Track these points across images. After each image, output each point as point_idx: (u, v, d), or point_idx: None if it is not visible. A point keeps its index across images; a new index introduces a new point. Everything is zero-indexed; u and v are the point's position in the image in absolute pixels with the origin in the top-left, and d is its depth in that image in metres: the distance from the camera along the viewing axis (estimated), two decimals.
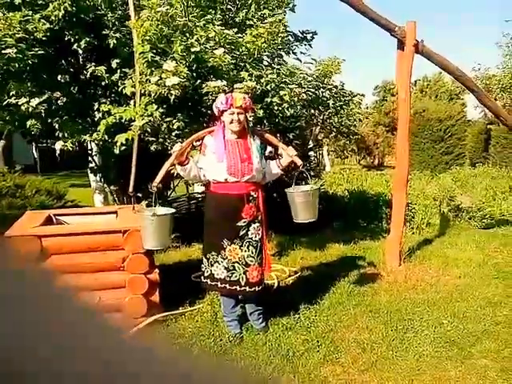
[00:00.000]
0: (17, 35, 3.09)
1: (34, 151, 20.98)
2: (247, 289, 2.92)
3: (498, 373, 2.57)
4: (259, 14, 3.92)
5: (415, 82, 26.28)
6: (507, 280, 4.13)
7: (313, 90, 4.19)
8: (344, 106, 4.66)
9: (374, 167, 22.70)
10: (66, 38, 3.42)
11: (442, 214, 6.94)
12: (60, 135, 3.58)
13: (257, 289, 2.95)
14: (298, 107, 3.90)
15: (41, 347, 0.29)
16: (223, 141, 2.83)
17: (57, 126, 3.53)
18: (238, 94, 2.91)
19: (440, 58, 4.41)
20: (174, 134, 3.45)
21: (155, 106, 3.30)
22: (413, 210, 6.66)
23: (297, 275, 4.31)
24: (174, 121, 3.37)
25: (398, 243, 4.52)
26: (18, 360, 0.27)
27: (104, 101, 3.60)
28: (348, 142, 15.99)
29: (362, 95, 4.68)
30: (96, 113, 3.51)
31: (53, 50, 3.52)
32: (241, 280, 2.91)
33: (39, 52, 3.30)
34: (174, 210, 2.87)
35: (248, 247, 2.90)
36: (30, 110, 3.26)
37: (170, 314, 3.38)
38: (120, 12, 3.59)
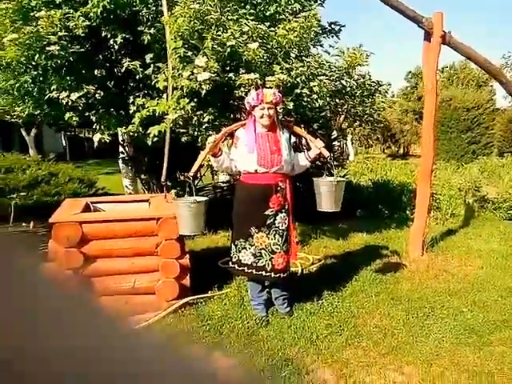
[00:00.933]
0: (59, 33, 3.28)
1: (62, 139, 21.63)
2: (273, 275, 3.07)
3: None
4: (290, 8, 4.01)
5: (442, 69, 25.66)
6: None
7: (340, 81, 4.27)
8: (370, 96, 4.71)
9: (398, 156, 22.43)
10: (103, 34, 3.61)
11: (467, 205, 6.92)
12: (97, 127, 3.79)
13: (282, 275, 3.09)
14: (327, 98, 3.99)
15: (41, 347, 0.29)
16: (254, 134, 2.99)
17: (94, 119, 3.74)
18: (268, 89, 3.05)
19: (468, 49, 4.40)
20: (204, 126, 3.60)
21: (187, 100, 3.45)
22: (437, 201, 6.68)
23: (320, 263, 4.45)
24: (205, 114, 3.52)
25: (421, 233, 4.59)
26: (18, 360, 0.27)
27: (138, 94, 3.78)
28: (373, 131, 15.82)
29: (389, 84, 4.73)
30: (131, 106, 3.69)
31: (90, 46, 3.71)
32: (267, 266, 3.05)
33: (79, 49, 3.50)
34: (207, 198, 3.06)
35: (274, 235, 3.04)
36: (70, 103, 3.47)
37: (199, 297, 3.57)
38: (154, 8, 3.74)
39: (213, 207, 6.15)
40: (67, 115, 3.80)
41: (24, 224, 5.17)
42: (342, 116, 6.01)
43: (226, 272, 4.12)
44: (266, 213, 3.01)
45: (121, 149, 6.28)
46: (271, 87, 3.48)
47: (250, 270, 3.10)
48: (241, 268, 3.13)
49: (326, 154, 3.11)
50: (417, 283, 3.88)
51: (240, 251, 3.11)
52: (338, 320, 3.18)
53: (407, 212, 6.48)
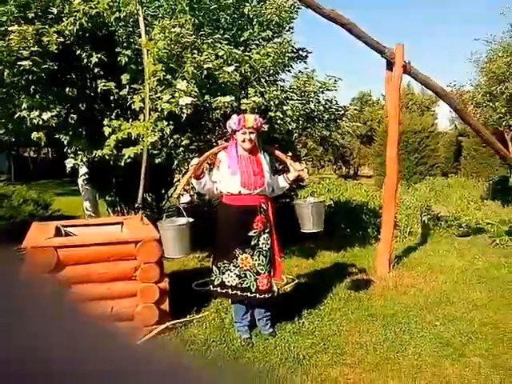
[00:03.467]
0: (32, 48, 3.19)
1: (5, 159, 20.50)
2: (257, 295, 3.08)
3: (490, 369, 2.83)
4: (263, 34, 4.15)
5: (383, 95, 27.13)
6: (489, 285, 4.45)
7: (309, 105, 4.44)
8: (335, 120, 4.92)
9: (350, 177, 23.29)
10: (77, 53, 3.54)
11: (422, 223, 7.30)
12: (69, 151, 3.67)
13: (266, 296, 3.12)
14: (300, 121, 4.14)
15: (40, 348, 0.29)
16: (236, 156, 3.07)
17: (65, 142, 3.62)
18: (249, 115, 3.15)
19: (425, 78, 4.74)
20: (180, 149, 3.61)
21: (165, 123, 3.44)
22: (395, 219, 6.99)
23: (294, 282, 4.51)
24: (183, 138, 3.53)
25: (387, 251, 4.79)
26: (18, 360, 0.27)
27: (112, 116, 3.72)
28: (325, 153, 16.35)
29: (355, 109, 4.98)
30: (105, 128, 3.62)
31: (63, 64, 3.62)
32: (251, 287, 3.07)
33: (52, 66, 3.41)
34: (192, 220, 3.06)
35: (259, 256, 3.07)
36: (41, 123, 3.35)
37: (179, 321, 3.50)
38: (130, 29, 3.73)
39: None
40: (34, 135, 3.66)
41: None
42: (303, 138, 6.20)
43: (202, 294, 4.08)
44: (250, 234, 3.05)
45: (83, 170, 6.07)
46: (246, 110, 3.58)
47: (234, 292, 3.09)
48: (224, 290, 3.12)
49: (305, 176, 3.28)
50: (389, 299, 4.03)
51: (223, 273, 3.11)
52: (320, 338, 3.23)
53: (368, 230, 6.73)
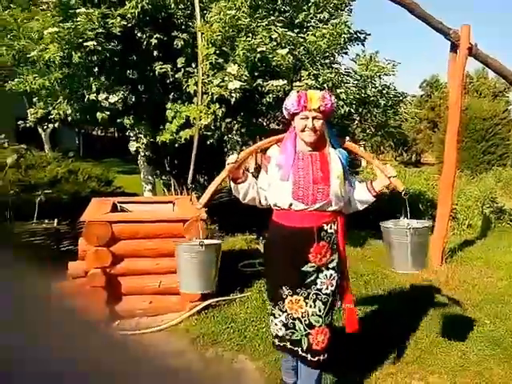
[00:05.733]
0: (96, 30, 3.37)
1: (76, 137, 21.87)
2: (309, 357, 2.17)
3: None
4: (318, 16, 4.07)
5: None
6: None
7: (365, 90, 4.32)
8: (393, 106, 4.75)
9: (411, 164, 22.37)
10: (138, 35, 3.69)
11: (483, 216, 6.91)
12: (131, 134, 3.87)
13: (321, 358, 2.17)
14: (354, 106, 4.04)
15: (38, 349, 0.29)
16: (293, 152, 2.14)
17: (128, 124, 3.82)
18: (314, 92, 2.13)
19: (494, 61, 4.42)
20: (233, 133, 3.66)
21: (218, 105, 3.51)
22: (454, 211, 6.67)
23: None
24: (234, 122, 3.58)
25: (441, 243, 4.61)
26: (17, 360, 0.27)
27: (170, 99, 3.85)
28: (386, 138, 15.79)
29: (413, 96, 4.78)
30: (168, 112, 3.75)
31: (125, 46, 3.79)
32: (303, 343, 2.17)
33: (115, 46, 3.58)
34: (220, 242, 2.28)
35: (315, 301, 2.14)
36: (108, 105, 3.55)
37: (222, 299, 3.63)
38: (188, 12, 3.82)
39: (229, 210, 6.24)
40: (99, 115, 3.88)
41: (47, 221, 5.26)
42: (358, 124, 6.04)
43: (247, 275, 4.19)
44: (304, 269, 2.12)
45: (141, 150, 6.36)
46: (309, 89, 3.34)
47: (282, 344, 2.24)
48: (273, 340, 2.31)
49: (401, 187, 2.17)
50: (438, 293, 3.90)
51: (270, 317, 2.32)
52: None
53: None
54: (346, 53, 4.76)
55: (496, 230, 6.43)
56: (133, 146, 3.87)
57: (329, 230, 2.12)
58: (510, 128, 14.42)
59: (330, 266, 2.13)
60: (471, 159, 13.34)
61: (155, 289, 3.45)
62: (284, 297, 2.16)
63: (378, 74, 4.26)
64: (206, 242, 2.13)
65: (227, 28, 3.50)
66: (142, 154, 6.18)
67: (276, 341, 2.28)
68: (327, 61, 4.59)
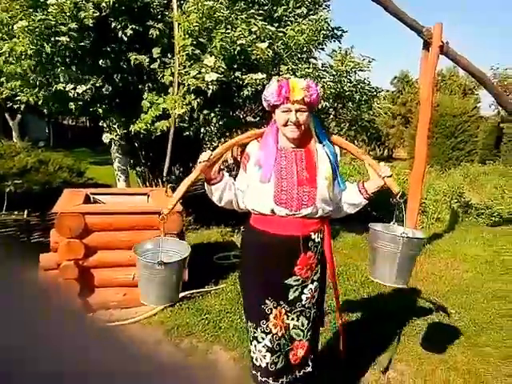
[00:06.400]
0: (69, 25, 3.28)
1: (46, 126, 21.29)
2: (290, 378, 1.97)
3: (500, 359, 2.82)
4: (297, 11, 4.10)
5: None
6: None
7: (341, 85, 4.38)
8: (367, 101, 4.84)
9: (383, 159, 22.80)
10: (113, 25, 3.61)
11: (451, 210, 7.14)
12: (104, 124, 3.80)
13: (305, 370, 2.00)
14: (330, 100, 4.10)
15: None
16: (275, 149, 1.86)
17: (101, 114, 3.75)
18: (297, 80, 1.82)
19: (463, 60, 4.56)
20: (211, 126, 3.65)
21: (193, 96, 3.49)
22: (423, 205, 6.86)
23: None
24: (212, 114, 3.57)
25: None
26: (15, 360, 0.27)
27: (147, 90, 3.80)
28: (359, 133, 16.04)
29: (387, 91, 4.88)
30: (144, 102, 3.70)
31: (98, 37, 3.71)
32: (284, 364, 1.95)
33: (87, 41, 3.50)
34: (186, 254, 1.87)
35: (299, 316, 1.93)
36: (75, 96, 3.47)
37: (197, 291, 3.64)
38: (165, 1, 3.76)
39: (205, 201, 6.25)
40: (71, 105, 3.80)
41: (16, 212, 5.13)
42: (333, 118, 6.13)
43: (222, 267, 4.22)
44: (288, 282, 1.88)
45: (113, 142, 6.26)
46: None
47: (264, 379, 1.93)
48: (253, 372, 1.99)
49: (396, 189, 1.93)
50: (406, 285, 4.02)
51: (251, 342, 1.97)
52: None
53: (396, 214, 6.64)
54: (323, 49, 4.82)
55: (463, 224, 6.67)
56: (107, 138, 3.82)
57: (316, 240, 1.87)
58: (479, 125, 14.90)
59: (315, 277, 1.91)
60: (441, 155, 13.72)
61: (129, 281, 3.43)
62: (268, 312, 1.88)
63: (353, 70, 4.33)
64: (173, 252, 1.88)
65: (204, 19, 3.48)
66: (116, 144, 6.10)
67: (259, 375, 1.92)
68: (304, 55, 4.63)
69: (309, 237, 1.85)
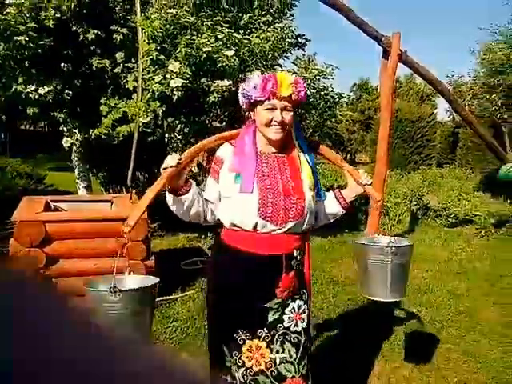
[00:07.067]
0: (28, 24, 3.19)
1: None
2: None
3: (460, 355, 2.95)
4: (262, 19, 4.15)
5: None
6: (469, 275, 4.57)
7: (307, 92, 4.48)
8: (330, 108, 4.96)
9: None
10: (73, 29, 3.54)
11: (411, 212, 7.40)
12: (64, 129, 3.71)
13: None
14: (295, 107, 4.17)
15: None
16: (254, 154, 1.63)
17: (61, 119, 3.65)
18: (285, 75, 1.61)
19: (421, 68, 4.76)
20: (175, 133, 3.64)
21: (158, 103, 3.47)
22: (385, 208, 7.08)
23: None
24: (177, 121, 3.55)
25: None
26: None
27: (107, 95, 3.74)
28: (323, 139, 16.36)
29: (349, 97, 5.02)
30: (102, 106, 3.64)
31: (59, 40, 3.62)
32: None
33: (47, 41, 3.41)
34: (154, 281, 1.56)
35: (283, 344, 1.63)
36: (37, 97, 3.37)
37: (164, 299, 3.60)
38: (128, 6, 3.72)
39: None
40: (30, 110, 3.68)
41: None
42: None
43: (189, 273, 4.19)
44: (268, 305, 1.63)
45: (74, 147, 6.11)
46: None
47: None
48: None
49: (377, 196, 1.89)
50: None
51: (222, 369, 1.66)
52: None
53: (359, 216, 6.82)
54: (287, 57, 4.90)
55: (422, 226, 6.93)
56: (67, 142, 3.72)
57: (298, 257, 1.66)
58: (436, 130, 15.55)
59: (297, 296, 1.67)
60: (401, 159, 14.19)
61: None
62: (240, 343, 1.61)
63: (317, 77, 4.43)
64: (130, 281, 1.48)
65: (168, 26, 3.47)
66: (77, 150, 5.94)
67: None
68: (270, 63, 4.70)
69: (291, 255, 1.63)
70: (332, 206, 1.79)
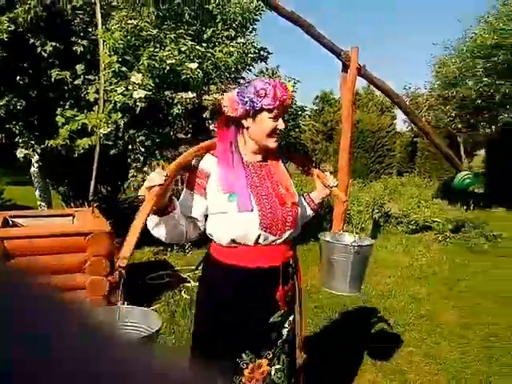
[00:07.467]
0: None
1: None
2: None
3: (421, 357, 3.05)
4: (226, 33, 4.21)
5: None
6: (429, 279, 4.74)
7: None
8: (294, 119, 5.07)
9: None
10: (31, 41, 3.46)
11: (373, 220, 7.61)
12: (20, 140, 3.60)
13: None
14: None
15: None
16: (242, 167, 1.54)
17: (16, 131, 3.55)
18: (285, 82, 1.65)
19: (379, 81, 4.95)
20: (137, 145, 3.61)
21: (120, 115, 3.44)
22: (348, 216, 7.25)
23: None
24: (139, 133, 3.53)
25: None
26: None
27: (65, 105, 3.67)
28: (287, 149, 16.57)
29: (312, 109, 5.15)
30: (58, 118, 3.57)
31: (14, 52, 3.53)
32: None
33: (1, 53, 3.32)
34: (156, 327, 1.25)
35: (279, 357, 1.58)
36: None
37: None
38: (88, 19, 3.68)
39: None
40: None
41: None
42: None
43: (154, 288, 4.13)
44: (272, 319, 1.56)
45: (35, 159, 5.92)
46: (207, 106, 3.55)
47: None
48: None
49: (343, 197, 1.92)
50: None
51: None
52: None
53: (324, 224, 6.95)
54: (250, 70, 4.98)
55: (384, 233, 7.13)
56: (21, 153, 3.61)
57: (293, 265, 1.63)
58: (395, 140, 16.10)
59: (293, 307, 1.65)
60: (363, 168, 14.58)
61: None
62: (243, 367, 1.51)
63: None
64: (138, 327, 1.30)
65: (129, 37, 3.46)
66: (35, 163, 5.76)
67: None
68: (233, 75, 4.76)
69: (287, 264, 1.59)
70: (308, 209, 1.82)
